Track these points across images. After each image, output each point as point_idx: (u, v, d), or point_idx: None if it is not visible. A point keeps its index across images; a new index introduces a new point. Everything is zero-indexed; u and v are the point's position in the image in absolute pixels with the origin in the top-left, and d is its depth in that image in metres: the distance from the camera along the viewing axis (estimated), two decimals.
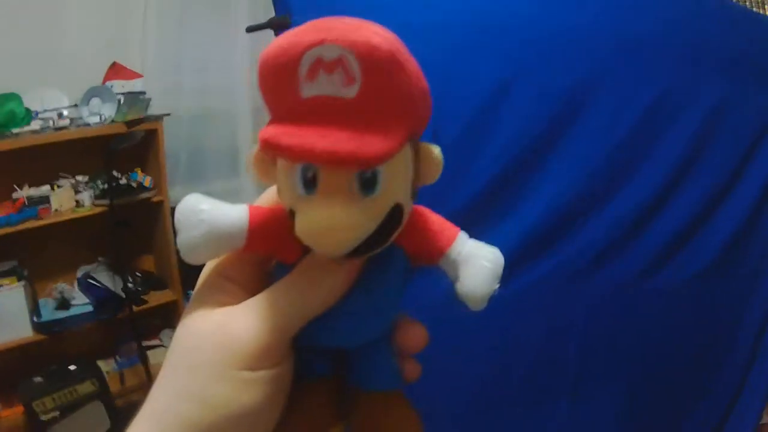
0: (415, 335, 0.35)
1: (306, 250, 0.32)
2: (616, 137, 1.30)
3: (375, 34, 0.26)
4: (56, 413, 2.07)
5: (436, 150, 0.32)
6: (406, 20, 0.99)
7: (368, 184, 0.27)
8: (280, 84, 0.27)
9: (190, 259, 0.31)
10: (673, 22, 1.32)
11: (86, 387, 2.16)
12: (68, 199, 2.34)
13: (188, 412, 0.29)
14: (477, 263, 0.33)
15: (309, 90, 0.26)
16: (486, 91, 1.23)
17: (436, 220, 0.35)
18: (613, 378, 1.44)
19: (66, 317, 2.35)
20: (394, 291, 0.34)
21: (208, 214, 0.31)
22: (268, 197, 0.35)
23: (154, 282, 2.71)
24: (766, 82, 1.41)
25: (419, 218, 0.34)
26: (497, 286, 0.33)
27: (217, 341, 0.30)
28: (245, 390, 0.30)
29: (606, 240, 1.34)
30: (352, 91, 0.26)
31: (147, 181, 2.51)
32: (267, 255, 0.34)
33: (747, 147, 1.42)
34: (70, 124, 2.30)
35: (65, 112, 2.32)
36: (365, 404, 0.35)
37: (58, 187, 2.35)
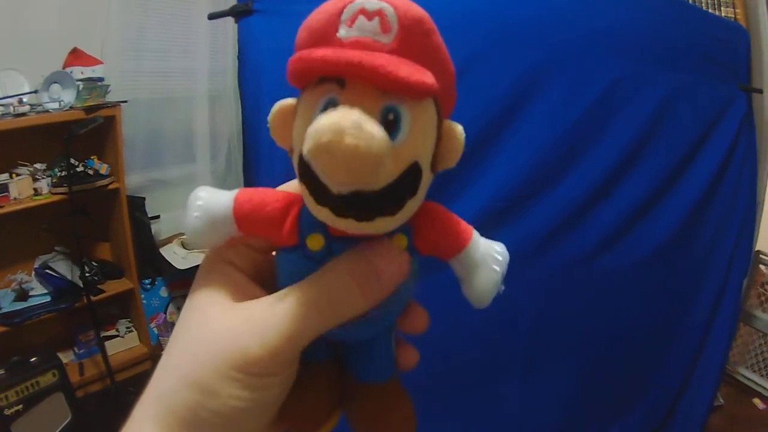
0: (419, 320, 0.36)
1: (303, 234, 0.31)
2: (567, 122, 1.33)
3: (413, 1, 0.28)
4: (20, 407, 2.03)
5: (459, 128, 0.32)
6: None
7: (391, 126, 0.26)
8: (319, 32, 0.27)
9: (195, 243, 0.33)
10: (626, 18, 1.35)
11: (48, 378, 2.12)
12: (27, 186, 2.29)
13: (193, 399, 0.29)
14: (488, 267, 0.34)
15: (347, 32, 0.27)
16: None
17: (453, 219, 0.35)
18: (563, 359, 1.47)
19: (25, 308, 2.29)
20: (407, 294, 0.34)
21: (204, 200, 0.32)
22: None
23: (111, 270, 2.67)
24: (717, 75, 1.45)
25: (440, 214, 0.34)
26: (503, 287, 0.34)
27: (227, 346, 0.29)
28: (252, 390, 0.30)
29: (555, 222, 1.36)
30: (388, 38, 0.27)
31: (103, 169, 2.46)
32: (263, 238, 0.33)
33: (698, 135, 1.45)
34: (30, 110, 2.25)
35: (25, 98, 2.26)
36: (364, 395, 0.36)
37: (17, 175, 2.29)
